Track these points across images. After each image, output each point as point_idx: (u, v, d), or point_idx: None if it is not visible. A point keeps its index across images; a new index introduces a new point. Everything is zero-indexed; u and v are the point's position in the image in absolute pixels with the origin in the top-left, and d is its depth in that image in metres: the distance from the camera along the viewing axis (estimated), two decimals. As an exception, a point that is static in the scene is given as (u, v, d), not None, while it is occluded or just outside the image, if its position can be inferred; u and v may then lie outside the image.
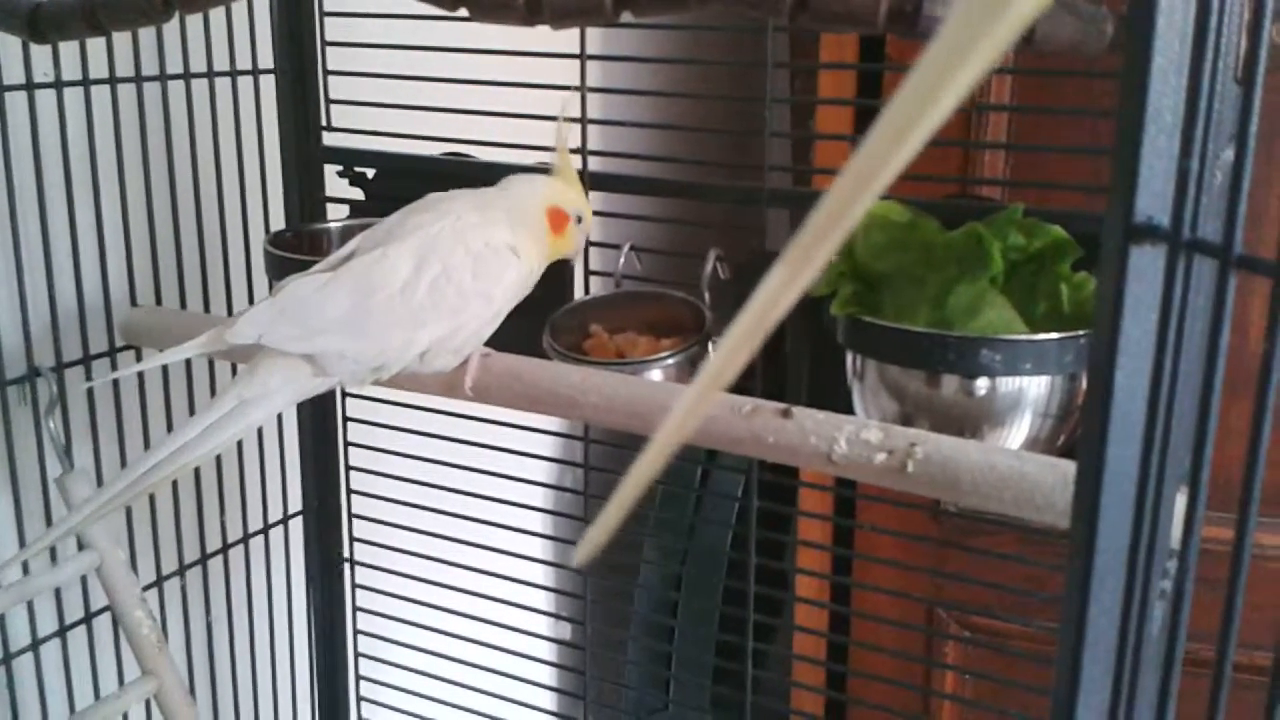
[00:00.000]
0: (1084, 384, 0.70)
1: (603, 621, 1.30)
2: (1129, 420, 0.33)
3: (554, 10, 0.53)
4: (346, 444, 1.09)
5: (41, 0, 0.68)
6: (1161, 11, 0.30)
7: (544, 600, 1.16)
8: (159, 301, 0.92)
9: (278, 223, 1.01)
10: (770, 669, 1.23)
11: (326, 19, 0.99)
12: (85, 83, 0.84)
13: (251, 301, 0.95)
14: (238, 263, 0.98)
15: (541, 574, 1.12)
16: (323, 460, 1.09)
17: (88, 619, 0.90)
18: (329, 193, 1.02)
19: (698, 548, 1.43)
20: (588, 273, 0.93)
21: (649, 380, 0.78)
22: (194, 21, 0.91)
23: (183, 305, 0.94)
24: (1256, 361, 0.28)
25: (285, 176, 1.01)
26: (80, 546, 0.84)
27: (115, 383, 0.90)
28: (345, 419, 1.08)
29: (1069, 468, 0.58)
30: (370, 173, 0.99)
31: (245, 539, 1.05)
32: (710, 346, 0.85)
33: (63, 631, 0.89)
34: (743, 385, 0.85)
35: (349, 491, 1.11)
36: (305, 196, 1.01)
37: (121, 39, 0.86)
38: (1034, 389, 0.71)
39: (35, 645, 0.86)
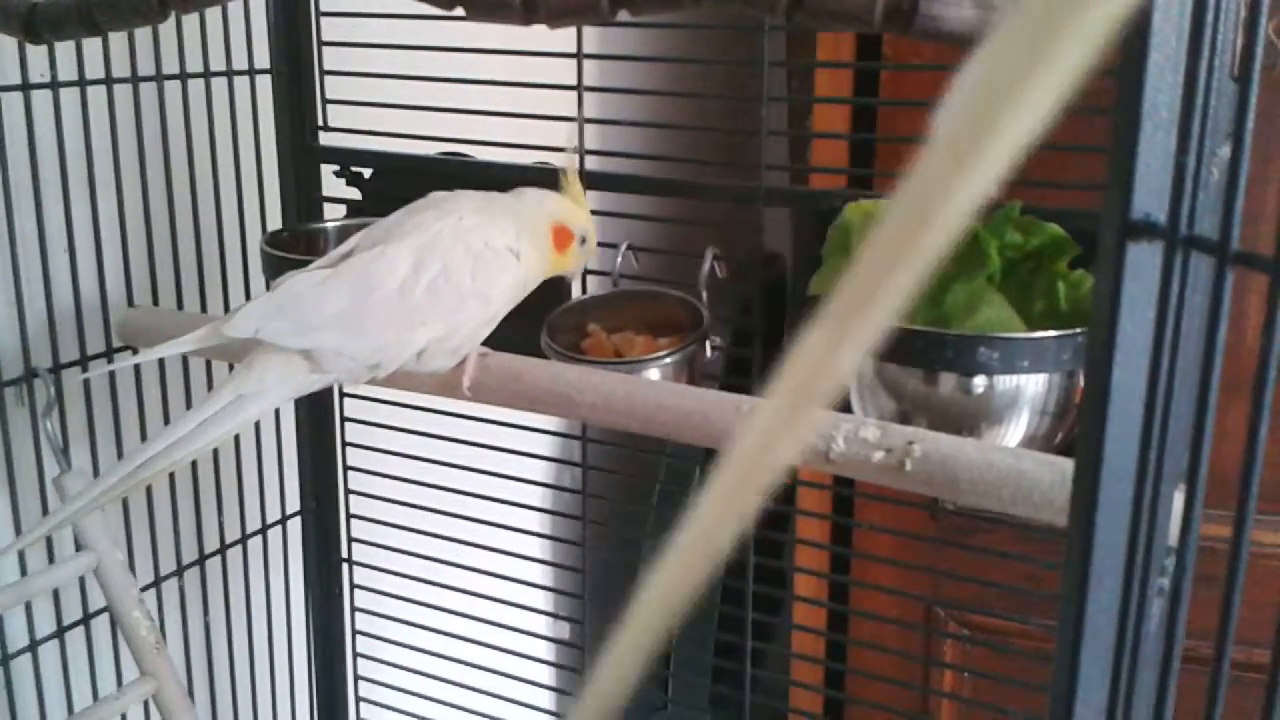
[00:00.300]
0: (1081, 381, 0.70)
1: (601, 620, 1.30)
2: (1126, 418, 0.33)
3: (550, 10, 0.53)
4: (345, 444, 1.09)
5: (38, 0, 0.68)
6: (1158, 9, 0.30)
7: (542, 599, 1.16)
8: (156, 302, 0.92)
9: (274, 222, 1.01)
10: (769, 668, 1.23)
11: (323, 19, 0.98)
12: (81, 83, 0.84)
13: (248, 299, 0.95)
14: (234, 263, 0.98)
15: (540, 573, 1.12)
16: (321, 460, 1.09)
17: (86, 620, 0.90)
18: (325, 192, 1.01)
19: (696, 547, 1.43)
20: (585, 272, 0.93)
21: (646, 379, 0.78)
22: (190, 21, 0.91)
23: (179, 305, 0.94)
24: (1254, 358, 0.28)
25: (282, 176, 1.01)
26: (78, 547, 0.84)
27: (112, 383, 0.90)
28: (343, 419, 1.08)
29: (1067, 465, 0.58)
30: (367, 172, 0.99)
31: (243, 539, 1.05)
32: (707, 345, 0.85)
33: (61, 632, 0.88)
34: (740, 384, 0.85)
35: (347, 491, 1.11)
36: (302, 196, 1.01)
37: (118, 39, 0.85)
38: (1031, 387, 0.71)
39: (33, 646, 0.86)
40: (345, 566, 1.13)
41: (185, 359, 0.95)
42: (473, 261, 0.71)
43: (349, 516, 1.12)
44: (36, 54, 0.80)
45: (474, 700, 1.12)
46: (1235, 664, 0.32)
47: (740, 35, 1.03)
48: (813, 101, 1.22)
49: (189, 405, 0.96)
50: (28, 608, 0.86)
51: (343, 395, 1.08)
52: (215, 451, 1.00)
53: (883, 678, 1.12)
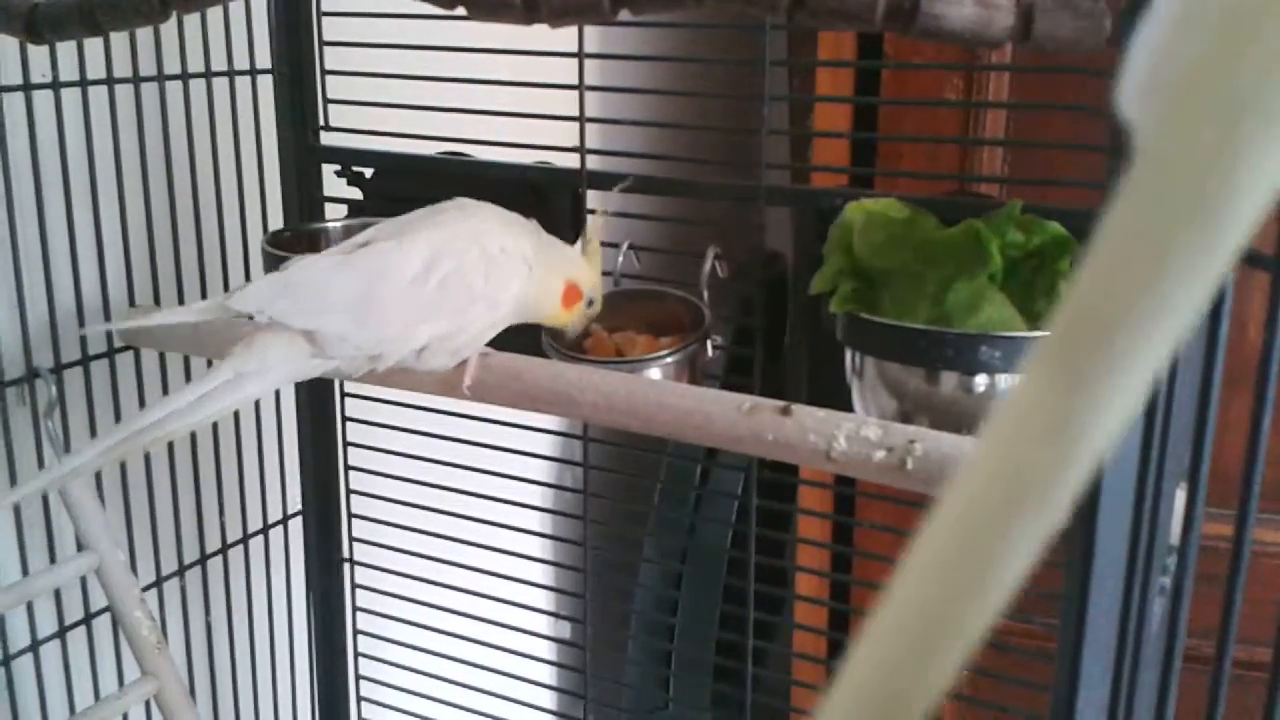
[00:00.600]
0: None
1: (602, 620, 1.30)
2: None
3: (552, 9, 0.53)
4: (346, 444, 1.09)
5: (39, 0, 0.68)
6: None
7: (544, 599, 1.16)
8: (157, 302, 0.92)
9: (276, 222, 1.01)
10: (770, 667, 1.23)
11: (324, 18, 0.98)
12: (83, 83, 0.84)
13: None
14: (236, 263, 0.98)
15: (541, 573, 1.12)
16: (322, 460, 1.09)
17: (87, 620, 0.90)
18: (327, 192, 1.01)
19: (698, 546, 1.43)
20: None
21: (648, 379, 0.78)
22: (191, 21, 0.91)
23: (181, 305, 0.94)
24: (1255, 357, 0.28)
25: (283, 176, 1.01)
26: (80, 547, 0.84)
27: (114, 384, 0.90)
28: (344, 419, 1.08)
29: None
30: (368, 172, 0.99)
31: (245, 539, 1.05)
32: (709, 345, 0.85)
33: (62, 632, 0.89)
34: (742, 383, 0.85)
35: (348, 491, 1.11)
36: (303, 196, 1.01)
37: (119, 39, 0.85)
38: (1033, 386, 0.70)
39: (35, 646, 0.86)
40: (346, 566, 1.13)
41: (187, 360, 0.95)
42: (486, 265, 0.71)
43: (350, 516, 1.12)
44: (38, 54, 0.80)
45: (475, 700, 1.12)
46: (1237, 662, 0.32)
47: (741, 34, 1.03)
48: (814, 100, 1.22)
49: (190, 405, 0.96)
50: (29, 608, 0.86)
51: (344, 395, 1.08)
52: (216, 451, 1.00)
53: (884, 677, 1.12)
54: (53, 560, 0.86)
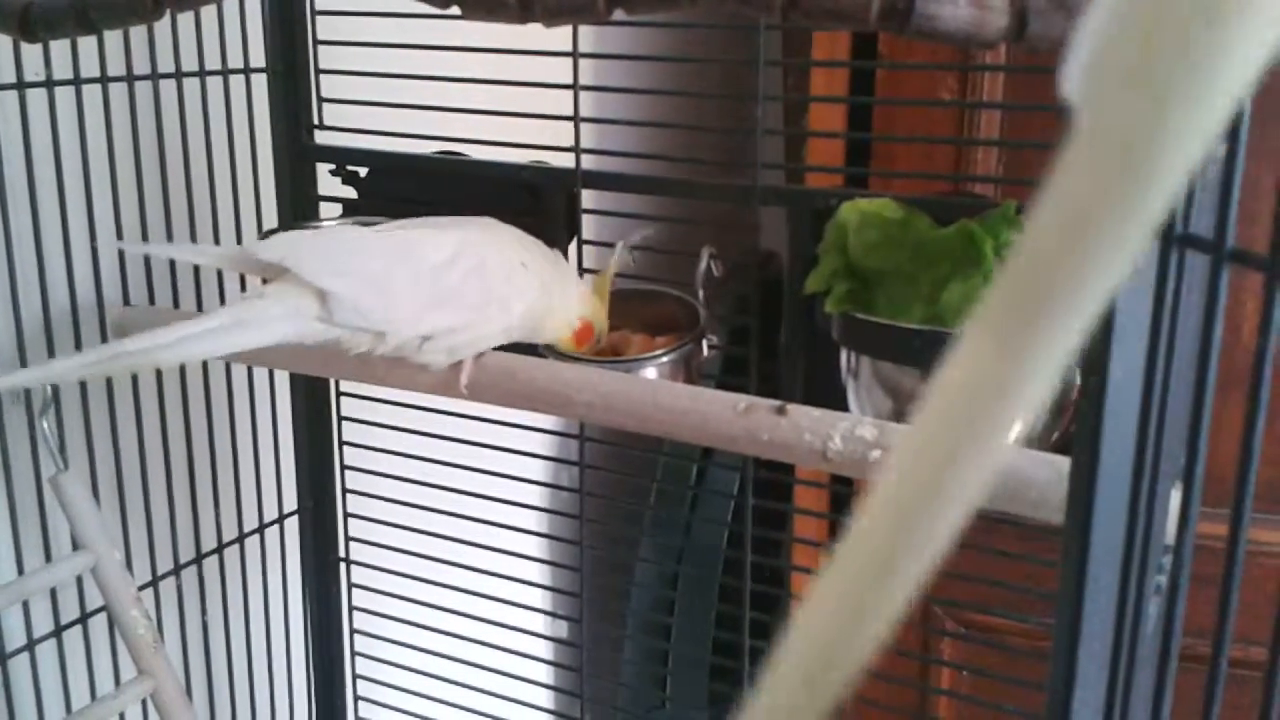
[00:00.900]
0: (1078, 380, 0.70)
1: (599, 619, 1.30)
2: (1123, 416, 0.33)
3: (546, 8, 0.53)
4: (342, 443, 1.09)
5: None
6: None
7: (540, 598, 1.16)
8: (152, 301, 0.92)
9: (270, 221, 1.01)
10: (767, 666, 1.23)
11: (318, 17, 0.98)
12: (77, 82, 0.84)
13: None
14: (231, 262, 0.98)
15: (538, 572, 1.12)
16: (318, 459, 1.09)
17: (83, 619, 0.90)
18: (321, 191, 1.01)
19: (694, 546, 1.43)
20: (581, 271, 0.93)
21: (643, 378, 0.78)
22: (185, 20, 0.90)
23: (176, 304, 0.94)
24: (1250, 357, 0.28)
25: (277, 175, 1.01)
26: (75, 547, 0.84)
27: (109, 383, 0.90)
28: (340, 418, 1.08)
29: (1063, 464, 0.58)
30: (362, 171, 0.99)
31: (241, 539, 1.05)
32: (704, 344, 0.85)
33: (58, 632, 0.88)
34: (737, 383, 0.85)
35: (345, 491, 1.11)
36: (297, 195, 1.01)
37: (113, 38, 0.85)
38: (1028, 385, 0.70)
39: (31, 645, 0.86)
40: (343, 566, 1.13)
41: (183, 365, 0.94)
42: (507, 273, 0.73)
43: (346, 516, 1.12)
44: (31, 52, 0.80)
45: (472, 699, 1.12)
46: (1232, 662, 0.32)
47: (736, 34, 1.03)
48: (809, 100, 1.22)
49: (186, 404, 0.96)
50: (25, 607, 0.86)
51: (340, 394, 1.08)
52: (212, 450, 1.00)
53: (881, 676, 1.12)
54: (48, 559, 0.86)
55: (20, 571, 0.85)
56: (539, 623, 1.12)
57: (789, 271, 0.86)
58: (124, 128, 0.88)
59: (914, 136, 1.16)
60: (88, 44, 0.83)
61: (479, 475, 1.03)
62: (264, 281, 0.70)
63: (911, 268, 0.75)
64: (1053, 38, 0.46)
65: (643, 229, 0.88)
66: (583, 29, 0.90)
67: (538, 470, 1.15)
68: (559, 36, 0.81)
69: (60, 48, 0.82)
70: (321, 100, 1.00)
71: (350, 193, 1.00)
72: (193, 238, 0.95)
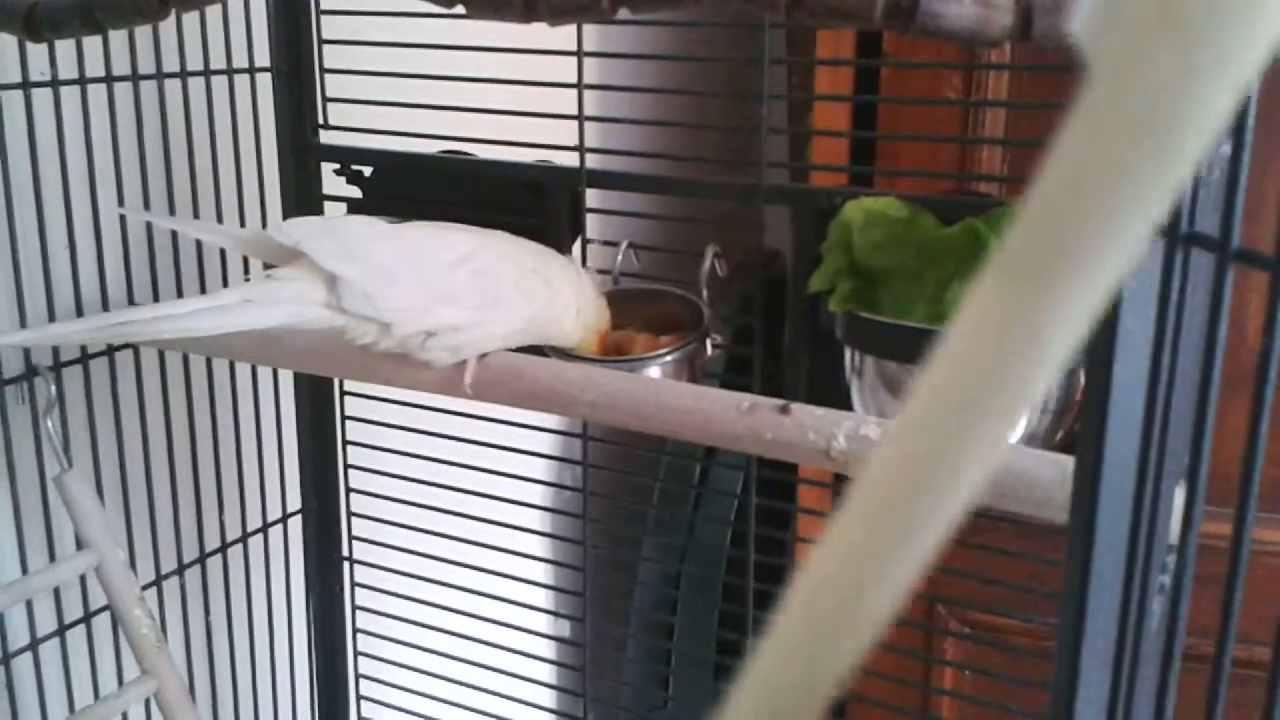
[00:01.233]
0: (1082, 379, 0.70)
1: (602, 619, 1.30)
2: (1127, 415, 0.33)
3: (551, 7, 0.53)
4: (345, 442, 1.09)
5: (37, -1, 0.68)
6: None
7: (544, 598, 1.16)
8: (156, 300, 0.92)
9: (275, 220, 1.01)
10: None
11: (323, 17, 0.98)
12: (82, 81, 0.84)
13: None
14: (235, 261, 0.98)
15: (541, 572, 1.12)
16: (322, 459, 1.09)
17: (87, 619, 0.90)
18: (326, 190, 1.01)
19: (697, 545, 1.43)
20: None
21: (647, 378, 0.78)
22: (190, 20, 0.91)
23: (178, 300, 0.94)
24: (1254, 356, 0.28)
25: (282, 174, 1.01)
26: (79, 546, 0.84)
27: (113, 382, 0.90)
28: (344, 417, 1.08)
29: (1067, 463, 0.58)
30: (367, 170, 0.99)
31: (244, 538, 1.05)
32: (708, 343, 0.85)
33: (62, 631, 0.89)
34: (741, 382, 0.85)
35: (348, 490, 1.11)
36: (302, 194, 1.01)
37: (118, 37, 0.85)
38: (1032, 384, 0.70)
39: (34, 645, 0.86)
40: (346, 565, 1.13)
41: (186, 359, 0.95)
42: (518, 277, 0.74)
43: (350, 515, 1.12)
44: (37, 52, 0.80)
45: (475, 699, 1.12)
46: (1236, 661, 0.32)
47: (740, 33, 1.03)
48: (813, 99, 1.22)
49: (190, 403, 0.96)
50: (29, 606, 0.86)
51: (343, 394, 1.08)
52: (216, 449, 1.00)
53: (884, 675, 1.12)
54: (52, 559, 0.86)
55: (24, 571, 0.85)
56: (542, 622, 1.13)
57: (793, 270, 0.86)
58: (129, 127, 0.88)
59: (919, 135, 1.16)
60: (93, 44, 0.83)
61: (482, 474, 1.03)
62: (266, 269, 0.71)
63: (916, 267, 0.75)
64: (1058, 36, 0.46)
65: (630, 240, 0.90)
66: (587, 28, 0.90)
67: (541, 469, 1.15)
68: (564, 35, 0.81)
69: (65, 47, 0.82)
70: (326, 99, 1.00)
71: (355, 192, 1.00)
72: (198, 238, 0.95)
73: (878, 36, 1.16)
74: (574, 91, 0.90)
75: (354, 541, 1.12)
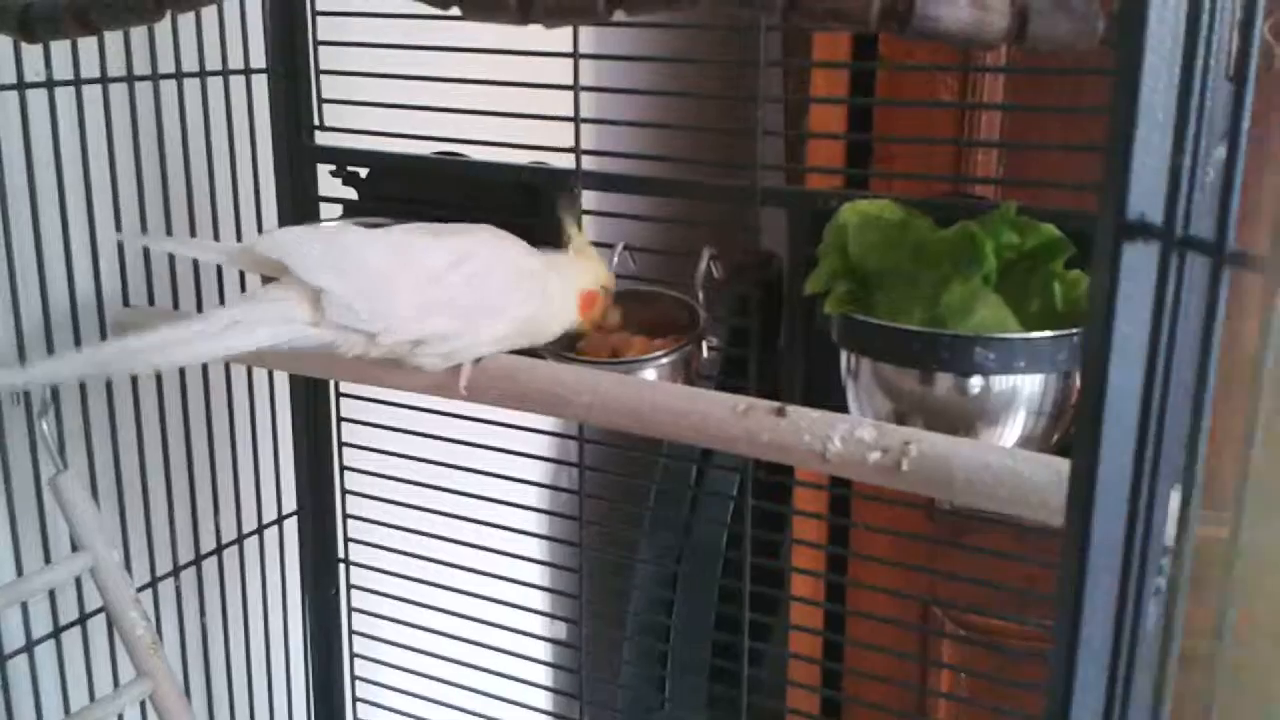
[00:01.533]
0: (1078, 382, 0.70)
1: (598, 621, 1.30)
2: (1123, 418, 0.33)
3: (546, 9, 0.53)
4: (341, 444, 1.09)
5: None
6: (1153, 9, 0.30)
7: (539, 600, 1.16)
8: (152, 302, 0.92)
9: (270, 222, 1.01)
10: (766, 668, 1.23)
11: (319, 18, 0.98)
12: (77, 82, 0.84)
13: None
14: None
15: (537, 574, 1.12)
16: (317, 460, 1.09)
17: (82, 620, 0.90)
18: (321, 192, 1.01)
19: (693, 547, 1.43)
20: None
21: (643, 380, 0.78)
22: (186, 21, 0.91)
23: (175, 305, 0.94)
24: (1249, 359, 0.28)
25: (278, 176, 1.01)
26: (74, 548, 0.84)
27: (108, 384, 0.90)
28: (339, 419, 1.08)
29: (1063, 466, 0.58)
30: (363, 172, 0.99)
31: (240, 540, 1.05)
32: (704, 345, 0.85)
33: (57, 633, 0.88)
34: (737, 384, 0.85)
35: (344, 492, 1.11)
36: (298, 196, 1.01)
37: (113, 38, 0.85)
38: (1028, 387, 0.71)
39: (30, 646, 0.86)
40: (342, 567, 1.13)
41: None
42: (503, 279, 0.73)
43: (345, 517, 1.12)
44: (31, 53, 0.80)
45: (471, 701, 1.12)
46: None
47: (736, 35, 1.03)
48: (809, 101, 1.22)
49: (185, 405, 0.96)
50: (24, 608, 0.86)
51: (339, 395, 1.08)
52: (211, 451, 1.00)
53: (880, 678, 1.12)
54: (47, 560, 0.86)
55: (19, 572, 0.85)
56: (538, 624, 1.12)
57: (789, 273, 0.86)
58: (124, 128, 0.88)
59: (914, 138, 1.16)
60: (88, 44, 0.83)
61: (478, 476, 1.03)
62: (264, 280, 0.70)
63: (911, 269, 0.75)
64: (1053, 38, 0.46)
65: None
66: (583, 30, 0.90)
67: (537, 472, 1.15)
68: (559, 37, 0.81)
69: (60, 48, 0.82)
70: (322, 101, 1.00)
71: (351, 194, 1.00)
72: (193, 238, 0.95)
73: (874, 39, 1.16)
74: (569, 93, 0.90)
75: (349, 543, 1.12)
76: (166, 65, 0.89)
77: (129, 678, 0.87)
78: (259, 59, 0.97)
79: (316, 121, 1.00)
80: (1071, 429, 0.73)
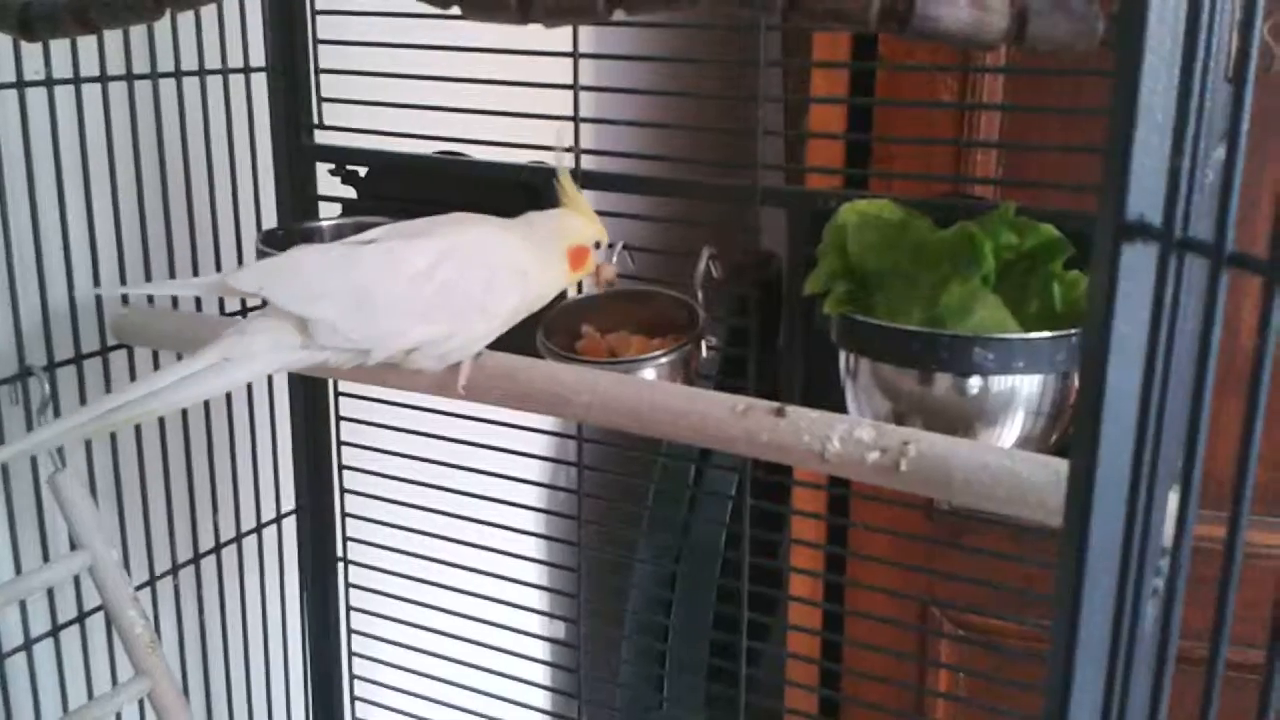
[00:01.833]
0: (1076, 382, 0.70)
1: (597, 620, 1.30)
2: (1121, 419, 0.33)
3: (546, 8, 0.53)
4: (340, 443, 1.09)
5: (32, -2, 0.68)
6: (1153, 10, 0.30)
7: (538, 599, 1.16)
8: (150, 301, 0.92)
9: (269, 221, 1.01)
10: (764, 667, 1.23)
11: (318, 17, 0.98)
12: (76, 81, 0.84)
13: (242, 300, 0.95)
14: (229, 261, 0.98)
15: (536, 573, 1.12)
16: (316, 459, 1.09)
17: (81, 619, 0.90)
18: (321, 191, 1.01)
19: (692, 546, 1.43)
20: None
21: (642, 379, 0.78)
22: (185, 19, 0.90)
23: (174, 305, 0.94)
24: (1248, 359, 0.28)
25: (277, 175, 1.01)
26: (73, 546, 0.84)
27: (107, 382, 0.90)
28: (338, 418, 1.08)
29: (1061, 466, 0.58)
30: (362, 171, 0.99)
31: (238, 538, 1.05)
32: (703, 345, 0.85)
33: (56, 631, 0.88)
34: (736, 384, 0.85)
35: (342, 491, 1.11)
36: (297, 194, 1.01)
37: (112, 37, 0.85)
38: (1026, 387, 0.71)
39: (28, 645, 0.86)
40: (340, 566, 1.13)
41: (179, 359, 0.94)
42: (486, 276, 0.71)
43: (344, 516, 1.12)
44: (31, 51, 0.80)
45: (469, 700, 1.12)
46: (1230, 664, 0.32)
47: (736, 35, 1.03)
48: (809, 101, 1.22)
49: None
50: (22, 606, 0.86)
51: (338, 394, 1.08)
52: (210, 449, 1.00)
53: (878, 677, 1.12)
54: (46, 559, 0.86)
55: (18, 571, 0.85)
56: (536, 623, 1.12)
57: (788, 273, 0.86)
58: (124, 127, 0.88)
59: (914, 138, 1.16)
60: (87, 43, 0.83)
61: (477, 476, 1.03)
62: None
63: (911, 269, 0.75)
64: (1053, 39, 0.46)
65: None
66: (582, 30, 0.90)
67: (536, 471, 1.15)
68: (559, 37, 0.82)
69: (60, 47, 0.82)
70: (321, 100, 1.00)
71: (350, 192, 1.00)
72: (192, 237, 0.95)
73: (873, 39, 1.16)
74: (569, 93, 0.90)
75: (348, 542, 1.12)
76: (166, 64, 0.89)
77: (127, 676, 0.87)
78: (258, 58, 0.97)
79: (316, 120, 1.00)
80: (1070, 429, 0.73)
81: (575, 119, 0.90)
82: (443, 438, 1.03)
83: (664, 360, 0.81)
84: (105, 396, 0.65)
